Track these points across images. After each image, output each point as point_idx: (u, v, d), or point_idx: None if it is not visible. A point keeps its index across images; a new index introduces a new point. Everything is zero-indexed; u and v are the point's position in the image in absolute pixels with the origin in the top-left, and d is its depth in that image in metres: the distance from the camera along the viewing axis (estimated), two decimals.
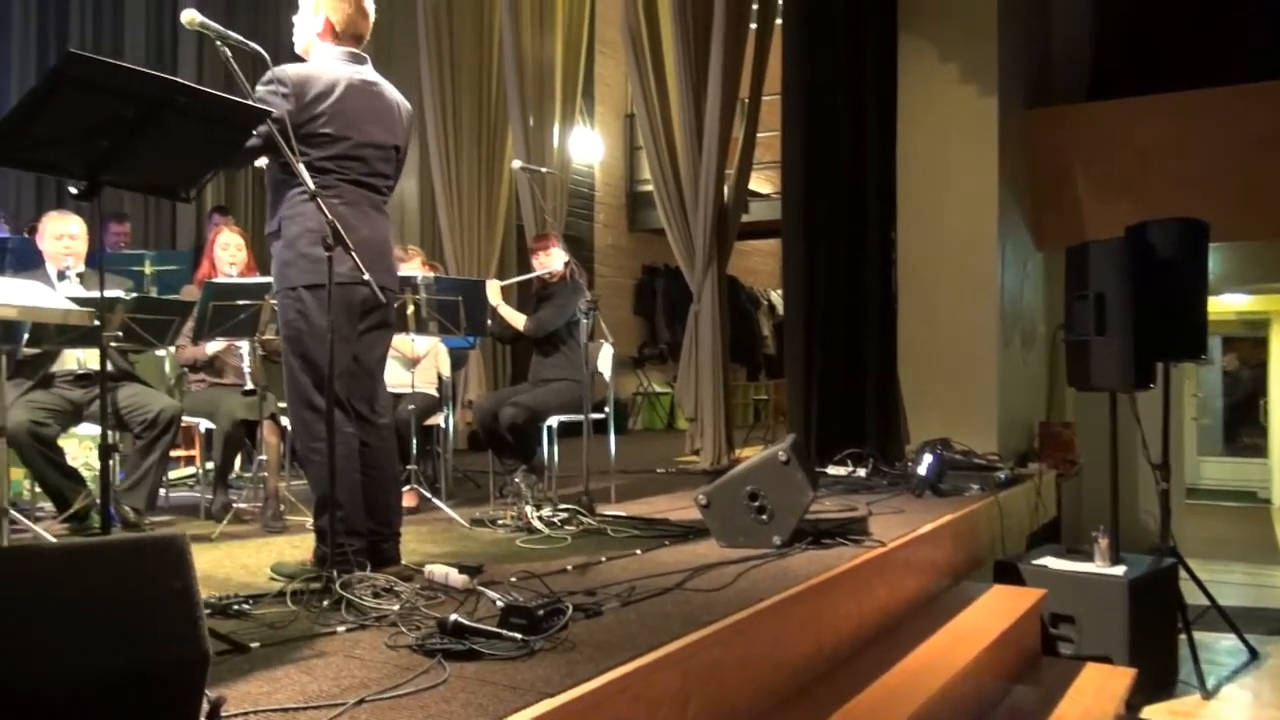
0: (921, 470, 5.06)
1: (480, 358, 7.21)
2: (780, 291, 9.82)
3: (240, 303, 4.01)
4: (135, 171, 2.19)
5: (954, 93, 6.52)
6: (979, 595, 4.18)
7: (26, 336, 3.64)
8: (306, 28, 3.12)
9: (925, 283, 6.42)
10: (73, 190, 2.10)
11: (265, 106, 2.65)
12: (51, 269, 4.25)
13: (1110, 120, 6.99)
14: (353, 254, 2.72)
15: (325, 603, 2.67)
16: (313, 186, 2.73)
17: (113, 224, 6.68)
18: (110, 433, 4.34)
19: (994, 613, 3.94)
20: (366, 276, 2.75)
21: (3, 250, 5.51)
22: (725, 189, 6.52)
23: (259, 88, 2.90)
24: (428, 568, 3.05)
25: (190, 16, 2.73)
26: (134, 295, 3.94)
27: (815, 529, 3.77)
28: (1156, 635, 4.47)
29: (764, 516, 3.63)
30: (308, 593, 2.73)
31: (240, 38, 2.78)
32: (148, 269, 5.94)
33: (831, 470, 5.60)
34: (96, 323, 3.54)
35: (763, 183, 10.98)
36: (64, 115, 1.95)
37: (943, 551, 4.24)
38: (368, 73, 3.13)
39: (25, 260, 5.07)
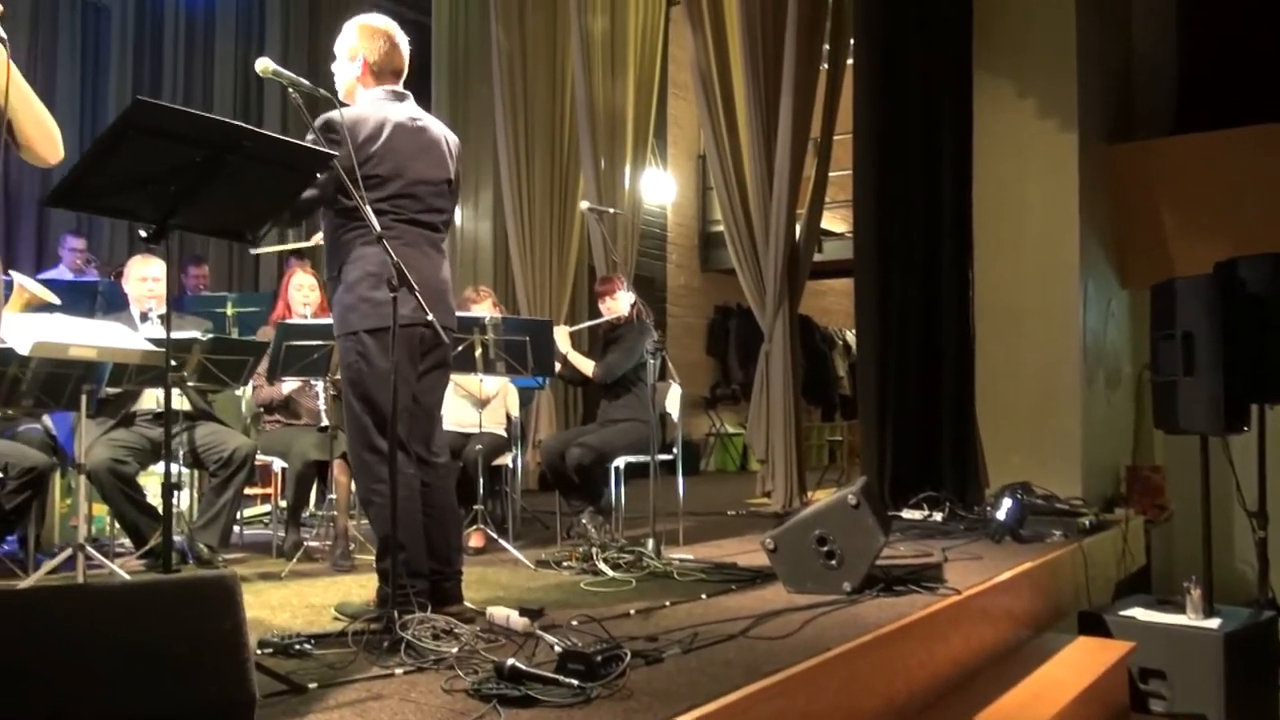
0: (1000, 515, 4.90)
1: (551, 397, 7.23)
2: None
3: (312, 343, 4.08)
4: (203, 215, 2.24)
5: (1032, 128, 6.39)
6: (1062, 647, 4.00)
7: (108, 376, 3.73)
8: (346, 74, 3.16)
9: (1003, 322, 6.26)
10: (142, 234, 2.16)
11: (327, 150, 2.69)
12: (135, 311, 4.39)
13: (1196, 153, 6.77)
14: (416, 294, 2.73)
15: (385, 644, 2.66)
16: (378, 228, 2.76)
17: (191, 267, 6.89)
18: (184, 470, 4.45)
19: (1078, 666, 3.76)
20: (430, 318, 2.76)
21: (94, 293, 5.71)
22: (797, 228, 6.48)
23: (310, 136, 2.92)
24: (489, 610, 3.03)
25: (264, 65, 2.81)
26: (210, 336, 4.04)
27: (887, 575, 3.65)
28: (1254, 692, 4.22)
29: (833, 562, 3.54)
30: (368, 633, 2.73)
31: (310, 84, 2.85)
32: (229, 310, 6.09)
33: (906, 514, 5.46)
34: (172, 363, 3.64)
35: (837, 222, 10.88)
36: (133, 161, 2.01)
37: (1022, 601, 4.08)
38: (411, 109, 3.15)
39: (114, 303, 5.26)
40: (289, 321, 4.27)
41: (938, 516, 5.37)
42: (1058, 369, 6.19)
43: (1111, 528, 5.47)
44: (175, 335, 4.06)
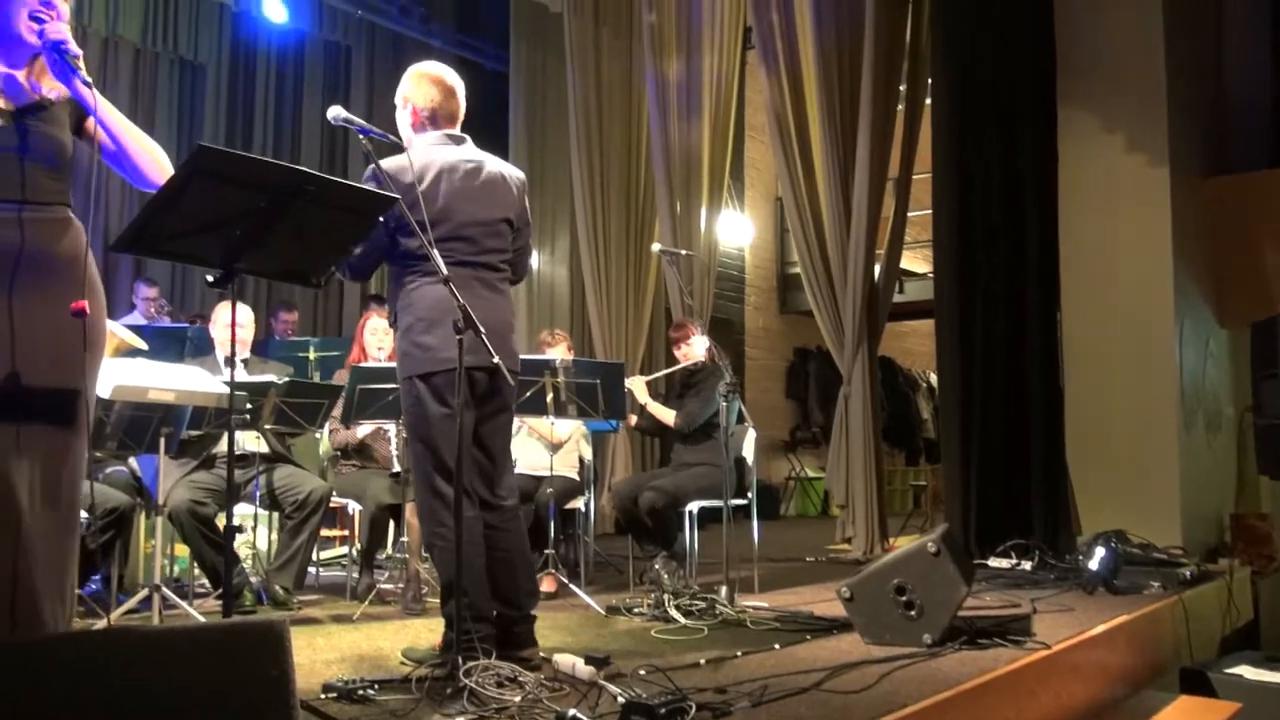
0: (1093, 565, 4.67)
1: (626, 441, 7.19)
2: None
3: (385, 386, 4.11)
4: (268, 259, 2.27)
5: (1121, 163, 6.19)
6: (1162, 707, 3.77)
7: (188, 419, 3.81)
8: (401, 122, 3.20)
9: (1094, 363, 6.03)
10: (209, 279, 2.19)
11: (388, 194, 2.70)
12: (220, 355, 4.49)
13: None
14: (463, 338, 2.71)
15: (449, 690, 2.62)
16: (444, 270, 2.77)
17: (282, 312, 7.07)
18: (262, 512, 4.52)
19: None
20: (495, 359, 2.75)
21: (183, 339, 5.88)
22: (876, 269, 6.38)
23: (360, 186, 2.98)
24: (555, 657, 2.98)
25: (334, 112, 2.88)
26: (285, 380, 4.10)
27: (971, 627, 3.49)
28: None
29: (912, 612, 3.39)
30: (432, 679, 2.70)
31: (381, 131, 2.89)
32: (312, 355, 6.22)
33: (993, 562, 5.25)
34: (248, 406, 3.70)
35: (919, 262, 10.71)
36: (198, 206, 2.04)
37: (1118, 656, 3.86)
38: (466, 151, 3.15)
39: (202, 347, 5.40)
40: (362, 365, 4.32)
41: (1026, 565, 5.15)
42: (1153, 412, 5.92)
43: (1215, 579, 5.17)
44: (253, 379, 4.17)
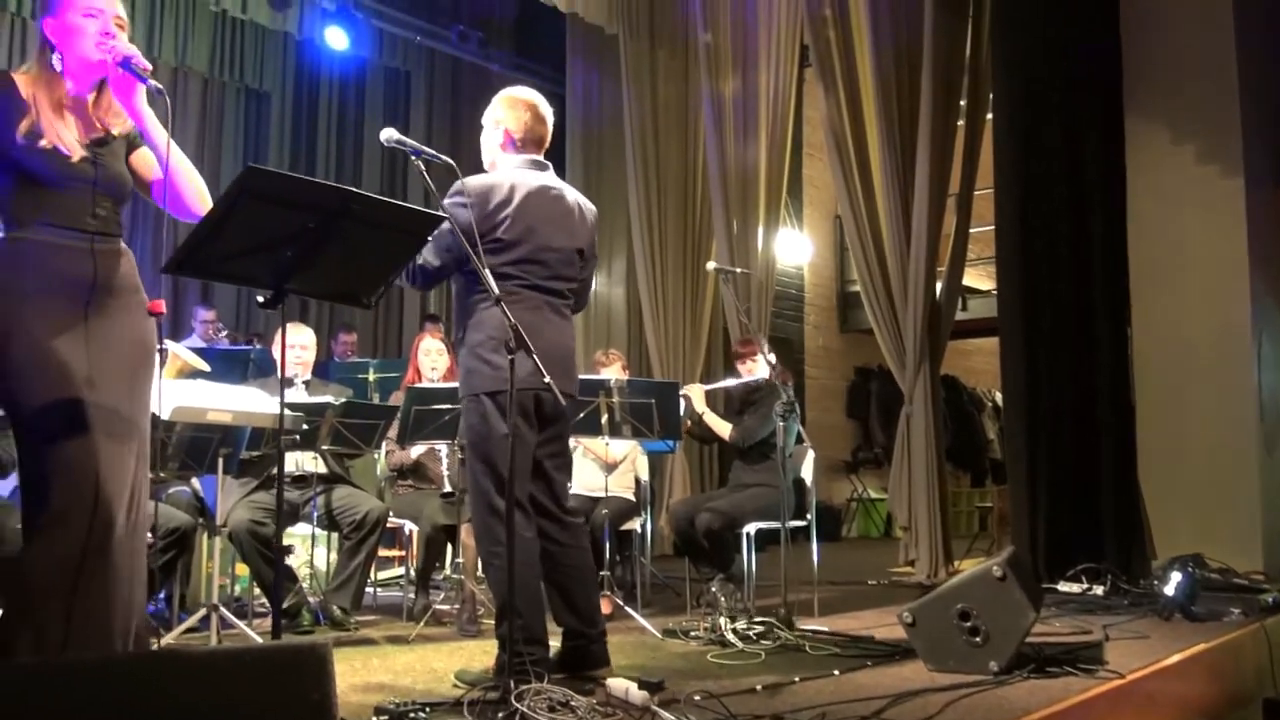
0: (1169, 590, 4.49)
1: (685, 461, 7.13)
2: None
3: (441, 407, 4.12)
4: (319, 279, 2.28)
5: (1192, 174, 6.01)
6: None
7: (247, 439, 3.85)
8: (489, 142, 3.23)
9: (1167, 380, 5.83)
10: (260, 299, 2.21)
11: (450, 215, 2.72)
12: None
13: None
14: (534, 358, 2.71)
15: (500, 714, 2.59)
16: (497, 291, 2.76)
17: (342, 334, 7.16)
18: (320, 532, 4.54)
19: None
20: (547, 380, 2.73)
21: (246, 361, 5.98)
22: (937, 286, 6.27)
23: (445, 201, 3.01)
24: (608, 681, 2.93)
25: (387, 134, 2.91)
26: (342, 401, 4.13)
27: (1039, 654, 3.36)
28: None
29: (977, 638, 3.28)
30: (483, 702, 2.67)
31: (433, 152, 2.91)
32: (371, 376, 6.27)
33: (1063, 587, 5.10)
34: (304, 427, 3.73)
35: (983, 278, 10.51)
36: (247, 227, 2.06)
37: (1196, 687, 3.70)
38: (549, 178, 3.20)
39: (265, 369, 5.49)
40: (417, 386, 4.33)
41: (1098, 590, 4.99)
42: (1231, 431, 5.71)
43: None
44: (309, 400, 4.21)
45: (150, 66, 2.14)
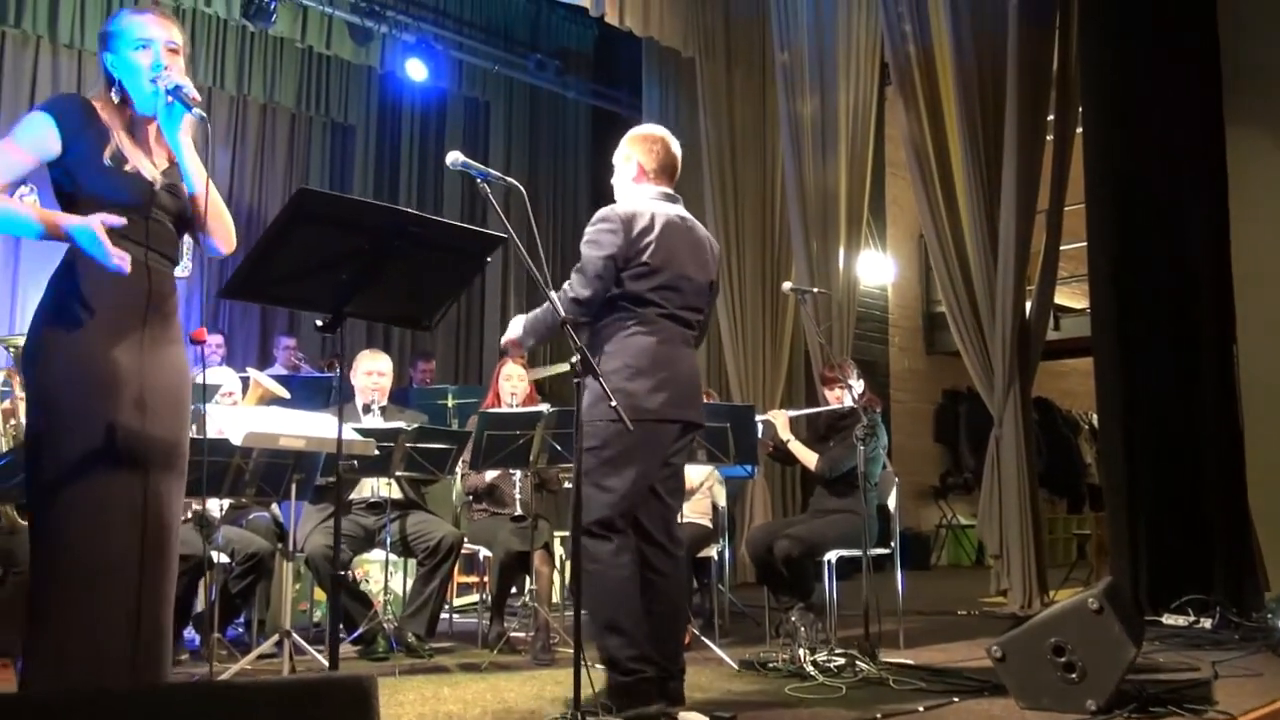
0: None
1: (765, 487, 7.00)
2: None
3: (514, 432, 4.08)
4: (377, 302, 2.26)
5: None
6: None
7: (322, 465, 3.86)
8: (622, 178, 3.27)
9: (1277, 400, 5.51)
10: (318, 323, 2.19)
11: (596, 241, 2.96)
12: (359, 402, 4.57)
13: None
14: (667, 389, 2.85)
15: None
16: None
17: (420, 362, 7.23)
18: (396, 558, 4.54)
19: None
20: (679, 414, 2.91)
21: (328, 388, 6.06)
22: (1027, 305, 6.05)
23: (590, 228, 3.07)
24: (681, 714, 2.85)
25: (453, 158, 2.89)
26: (415, 426, 4.13)
27: (1141, 692, 3.16)
28: None
29: (1072, 675, 3.10)
30: None
31: (498, 174, 2.89)
32: (450, 402, 6.31)
33: (1167, 620, 4.84)
34: (375, 452, 3.73)
35: (1078, 297, 10.14)
36: (303, 250, 2.05)
37: None
38: (681, 210, 3.23)
39: (346, 396, 5.55)
40: (490, 410, 4.31)
41: (1206, 623, 4.73)
42: None
43: None
44: (383, 426, 4.23)
45: (200, 98, 2.15)
